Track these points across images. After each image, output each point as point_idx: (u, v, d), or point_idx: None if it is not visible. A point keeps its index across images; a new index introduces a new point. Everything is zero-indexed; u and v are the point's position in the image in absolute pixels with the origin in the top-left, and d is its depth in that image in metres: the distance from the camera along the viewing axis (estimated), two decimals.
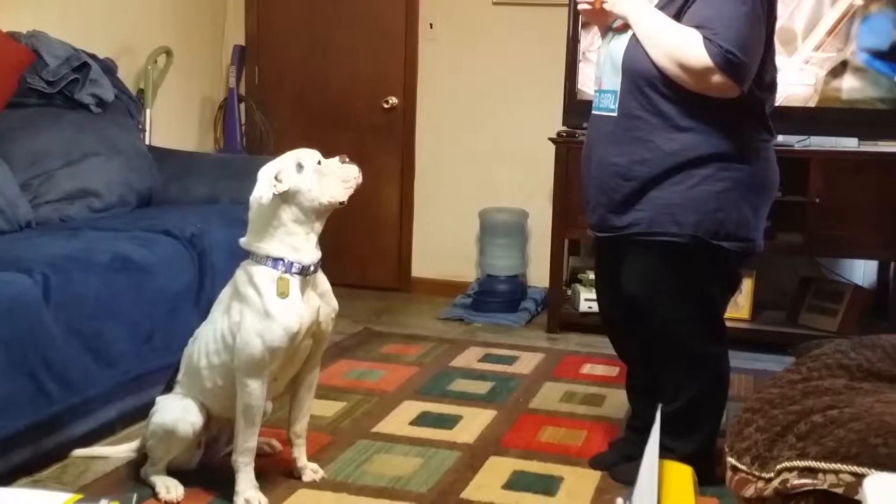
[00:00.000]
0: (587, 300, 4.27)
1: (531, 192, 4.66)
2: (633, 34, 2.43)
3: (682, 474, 1.66)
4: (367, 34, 4.91)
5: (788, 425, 1.89)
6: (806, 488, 1.76)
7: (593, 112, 2.60)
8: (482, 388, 3.44)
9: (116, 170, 3.62)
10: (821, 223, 3.91)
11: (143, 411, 2.99)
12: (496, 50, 4.76)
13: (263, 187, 2.40)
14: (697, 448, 2.52)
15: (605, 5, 2.48)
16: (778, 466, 1.83)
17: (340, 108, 4.98)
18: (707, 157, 2.40)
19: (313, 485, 2.54)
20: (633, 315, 2.59)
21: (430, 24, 4.83)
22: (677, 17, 2.38)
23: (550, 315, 4.34)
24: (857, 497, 1.68)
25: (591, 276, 4.40)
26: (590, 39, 4.25)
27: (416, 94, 4.90)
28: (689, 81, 2.35)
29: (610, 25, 2.57)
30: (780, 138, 4.07)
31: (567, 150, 4.18)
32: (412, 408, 3.18)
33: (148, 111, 4.24)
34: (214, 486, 2.48)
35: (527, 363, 3.76)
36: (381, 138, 4.95)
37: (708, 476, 2.42)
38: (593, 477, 2.65)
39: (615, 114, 2.47)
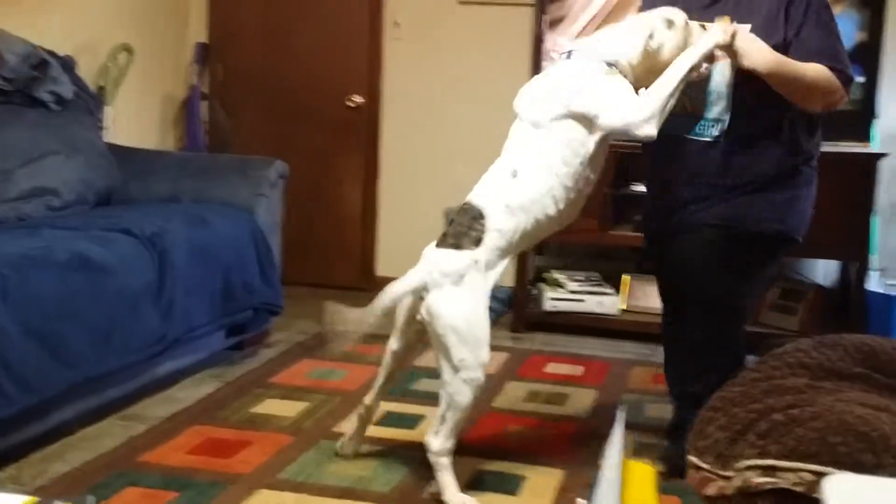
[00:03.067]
0: (552, 300, 4.28)
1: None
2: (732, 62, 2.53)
3: (643, 474, 1.66)
4: (332, 33, 4.88)
5: (749, 424, 1.90)
6: (767, 487, 1.77)
7: (673, 134, 2.58)
8: None
9: (76, 168, 3.57)
10: None
11: (102, 411, 2.97)
12: (461, 49, 4.75)
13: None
14: None
15: (742, 61, 2.50)
16: (738, 465, 1.84)
17: (304, 106, 4.94)
18: (805, 161, 2.65)
19: (273, 485, 2.52)
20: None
21: (396, 23, 4.81)
22: (785, 40, 2.53)
23: (515, 314, 4.34)
24: (816, 495, 1.69)
25: (556, 275, 4.42)
26: (554, 39, 4.26)
27: (381, 92, 4.88)
28: (820, 108, 2.60)
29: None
30: None
31: None
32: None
33: (108, 109, 4.18)
34: None
35: (491, 362, 3.74)
36: (345, 137, 4.93)
37: None
38: (556, 476, 2.65)
39: (716, 139, 2.58)
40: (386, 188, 4.94)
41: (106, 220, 3.24)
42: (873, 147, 4.01)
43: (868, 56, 3.90)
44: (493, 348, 3.89)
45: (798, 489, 1.73)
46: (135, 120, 4.56)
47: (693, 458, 1.98)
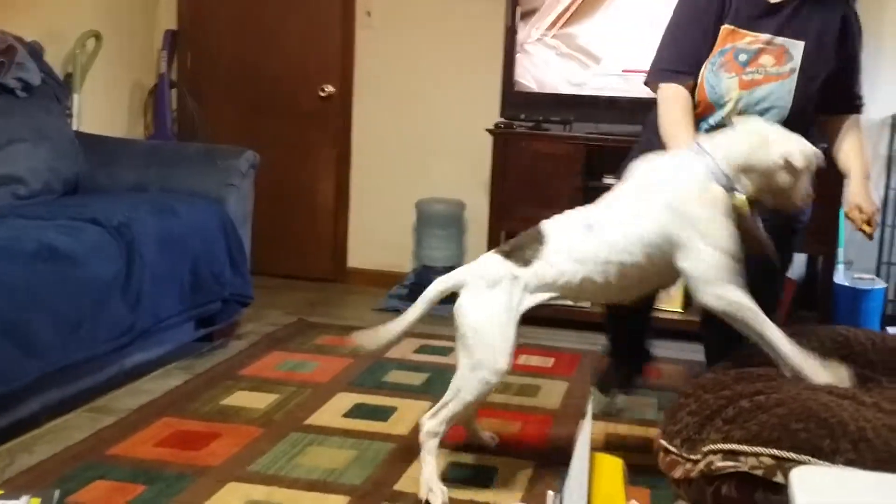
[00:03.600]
0: None
1: (468, 182, 4.66)
2: (798, 83, 2.54)
3: (612, 466, 1.68)
4: (303, 21, 4.85)
5: (718, 409, 1.93)
6: (728, 470, 1.80)
7: None
8: (417, 379, 3.43)
9: (42, 156, 3.52)
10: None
11: (70, 403, 2.94)
12: (434, 40, 4.74)
13: None
14: None
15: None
16: (704, 449, 1.87)
17: (275, 95, 4.91)
18: None
19: (243, 477, 2.51)
20: None
21: (368, 13, 4.78)
22: (838, 67, 2.60)
23: None
24: (775, 479, 1.72)
25: None
26: (527, 31, 4.26)
27: (353, 82, 4.86)
28: None
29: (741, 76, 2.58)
30: None
31: (504, 141, 4.18)
32: (346, 400, 3.16)
33: (76, 96, 4.13)
34: None
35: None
36: (316, 127, 4.90)
37: None
38: (527, 468, 2.66)
39: None
40: (358, 178, 4.92)
41: (73, 209, 3.20)
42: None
43: None
44: None
45: (757, 472, 1.76)
46: (103, 107, 4.50)
47: (663, 442, 2.01)
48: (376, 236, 4.91)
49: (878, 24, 4.25)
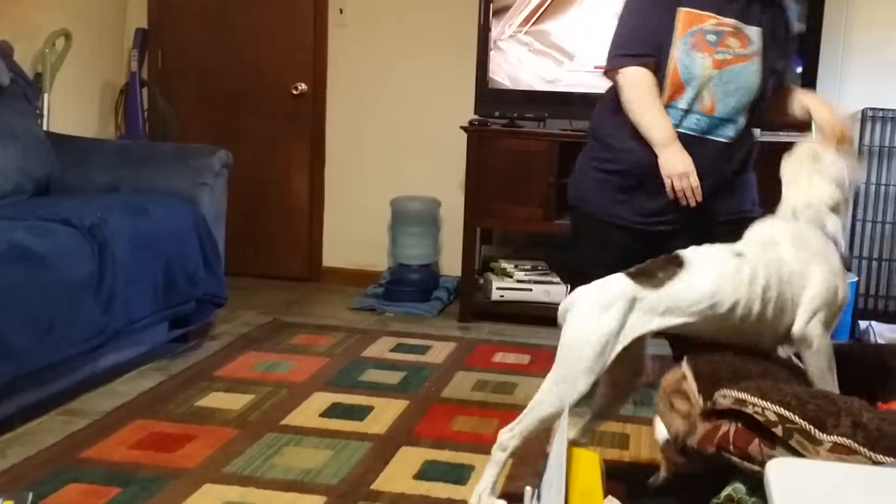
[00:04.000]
0: (499, 289, 4.29)
1: (443, 180, 4.65)
2: (761, 65, 2.63)
3: (589, 461, 1.69)
4: (275, 19, 4.82)
5: (747, 374, 2.01)
6: (730, 407, 1.84)
7: (694, 135, 2.64)
8: (394, 378, 3.42)
9: (12, 156, 3.48)
10: None
11: (43, 406, 2.90)
12: (407, 37, 4.73)
13: None
14: None
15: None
16: (716, 394, 1.93)
17: (248, 94, 4.88)
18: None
19: (219, 479, 2.49)
20: None
21: (340, 10, 4.77)
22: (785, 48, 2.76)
23: (463, 304, 4.35)
24: (774, 430, 1.77)
25: (503, 264, 4.43)
26: (501, 28, 4.26)
27: (326, 80, 4.84)
28: None
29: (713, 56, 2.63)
30: None
31: (479, 138, 4.19)
32: (322, 399, 3.15)
33: (46, 96, 4.09)
34: None
35: (439, 352, 3.76)
36: (290, 125, 4.87)
37: None
38: (504, 465, 2.65)
39: (731, 140, 2.67)
40: (332, 177, 4.90)
41: (44, 209, 3.16)
42: (813, 137, 4.08)
43: (807, 47, 3.97)
44: (440, 338, 3.95)
45: (758, 418, 1.81)
46: (73, 107, 4.46)
47: (687, 369, 2.05)
48: (351, 235, 4.89)
49: (846, 21, 4.29)
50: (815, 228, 2.29)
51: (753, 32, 2.63)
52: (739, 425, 1.88)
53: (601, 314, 2.17)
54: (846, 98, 4.31)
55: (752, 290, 2.17)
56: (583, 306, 2.21)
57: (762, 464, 1.78)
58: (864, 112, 4.27)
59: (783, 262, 2.22)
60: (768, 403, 1.85)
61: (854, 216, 4.28)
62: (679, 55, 2.60)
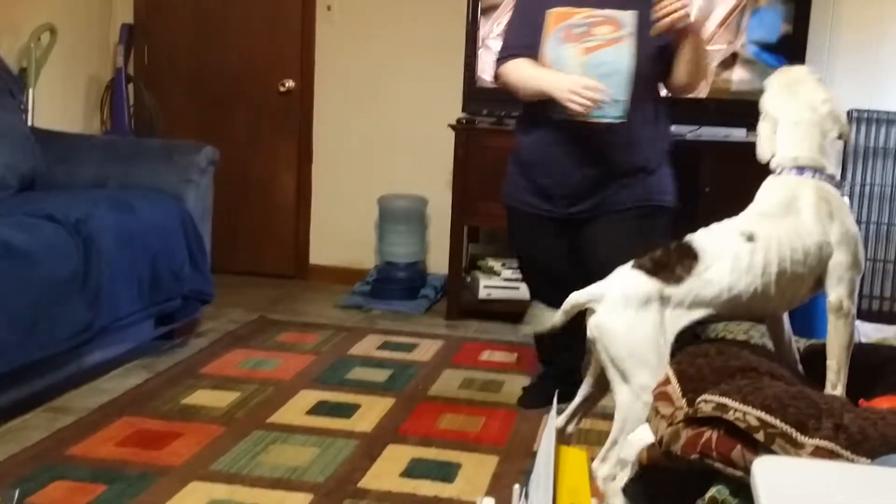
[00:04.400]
0: (486, 287, 4.29)
1: (430, 178, 4.65)
2: (636, 44, 2.70)
3: (577, 459, 1.69)
4: (262, 15, 4.80)
5: (731, 375, 2.02)
6: (711, 415, 1.85)
7: (589, 118, 2.71)
8: (381, 376, 3.42)
9: None
10: (711, 212, 3.99)
11: (28, 403, 2.89)
12: (395, 35, 4.72)
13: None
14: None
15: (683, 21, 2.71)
16: (697, 399, 1.93)
17: (234, 90, 4.86)
18: (670, 142, 3.00)
19: (206, 476, 2.48)
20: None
21: (328, 7, 4.75)
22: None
23: (450, 302, 4.34)
24: (756, 436, 1.77)
25: (491, 263, 4.43)
26: (489, 27, 4.26)
27: (314, 77, 4.82)
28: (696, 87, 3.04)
29: (581, 40, 2.75)
30: (672, 128, 4.20)
31: (467, 136, 4.18)
32: (309, 397, 3.14)
33: (31, 91, 4.05)
34: None
35: (426, 350, 3.76)
36: (277, 122, 4.86)
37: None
38: (490, 463, 2.66)
39: (620, 120, 2.73)
40: (319, 174, 4.88)
41: (29, 205, 3.14)
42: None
43: (793, 48, 3.99)
44: (427, 336, 3.95)
45: (740, 424, 1.82)
46: (58, 102, 4.43)
47: (670, 372, 2.05)
48: (338, 232, 4.88)
49: (832, 22, 4.31)
50: (828, 184, 2.22)
51: (626, 16, 2.71)
52: (721, 431, 1.88)
53: (644, 313, 2.11)
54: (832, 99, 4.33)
55: (767, 275, 2.14)
56: (618, 308, 2.12)
57: (745, 469, 1.79)
58: (849, 113, 4.28)
59: (803, 232, 2.16)
60: (749, 408, 1.85)
61: None
62: (549, 52, 2.76)
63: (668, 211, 2.95)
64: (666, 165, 2.96)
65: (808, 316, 4.03)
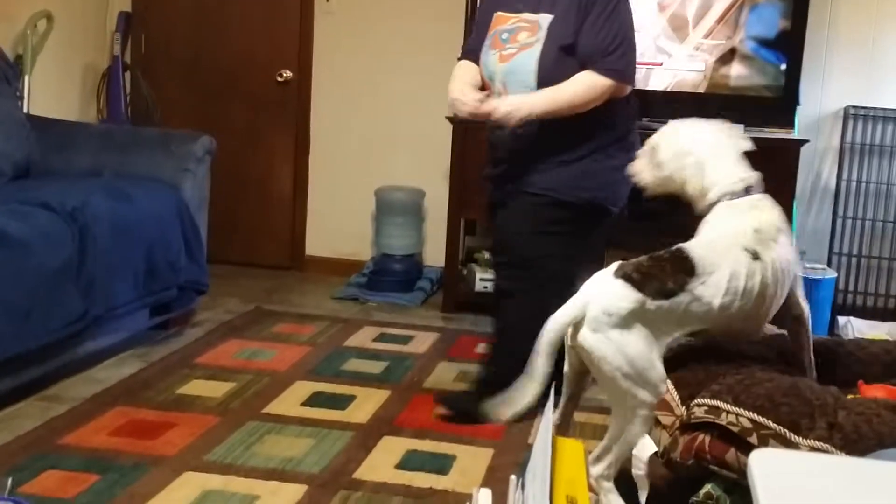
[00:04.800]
0: (483, 280, 4.28)
1: (428, 171, 4.64)
2: (542, 49, 2.76)
3: (574, 450, 1.68)
4: (261, 5, 4.78)
5: (722, 374, 2.01)
6: (706, 420, 1.84)
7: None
8: (376, 367, 3.41)
9: None
10: None
11: (21, 392, 2.87)
12: (394, 26, 4.70)
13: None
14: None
15: (507, 117, 2.75)
16: (691, 403, 1.93)
17: (232, 80, 4.84)
18: (617, 139, 2.85)
19: (200, 467, 2.47)
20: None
21: None
22: (578, 29, 2.76)
23: (446, 295, 4.34)
24: (750, 440, 1.77)
25: (487, 255, 4.42)
26: None
27: (312, 68, 4.80)
28: (594, 104, 2.77)
29: (502, 42, 2.85)
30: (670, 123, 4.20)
31: (464, 129, 4.16)
32: (304, 388, 3.13)
33: (26, 78, 4.03)
34: None
35: (422, 343, 3.75)
36: (274, 113, 4.84)
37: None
38: (485, 455, 2.66)
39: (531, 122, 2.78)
40: (316, 165, 4.87)
41: (24, 193, 3.12)
42: (795, 134, 4.11)
43: (791, 44, 3.98)
44: (423, 328, 3.94)
45: (733, 429, 1.81)
46: (54, 90, 4.41)
47: (670, 384, 2.05)
48: (335, 224, 4.87)
49: (830, 19, 4.30)
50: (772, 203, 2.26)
51: (543, 19, 2.78)
52: (715, 435, 1.88)
53: (631, 331, 2.05)
54: (829, 96, 4.33)
55: (762, 295, 2.12)
56: (604, 327, 2.06)
57: (740, 472, 1.79)
58: (846, 110, 4.29)
59: (785, 254, 2.17)
60: (742, 410, 1.84)
61: (835, 213, 4.30)
62: (482, 56, 2.91)
63: (579, 208, 2.83)
64: (595, 161, 2.83)
65: (810, 301, 4.05)
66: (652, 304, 2.05)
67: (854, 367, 2.29)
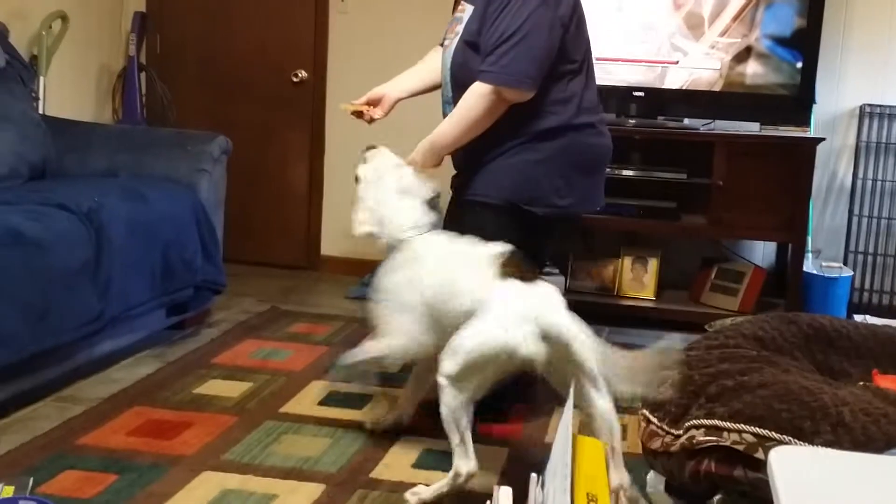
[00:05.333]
0: None
1: (443, 170, 4.61)
2: (456, 45, 2.74)
3: (594, 448, 1.67)
4: (276, 5, 4.79)
5: (702, 386, 1.96)
6: (709, 444, 1.82)
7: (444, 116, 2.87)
8: (392, 367, 3.40)
9: (7, 140, 3.45)
10: (723, 205, 4.00)
11: (38, 392, 2.88)
12: (409, 25, 4.70)
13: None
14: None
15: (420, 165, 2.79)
16: (686, 424, 1.89)
17: (247, 80, 4.85)
18: (530, 135, 2.69)
19: (217, 466, 2.48)
20: None
21: None
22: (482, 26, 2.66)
23: None
24: (756, 455, 1.74)
25: None
26: None
27: (327, 67, 4.81)
28: (494, 113, 2.64)
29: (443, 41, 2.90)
30: (686, 121, 4.19)
31: None
32: (320, 388, 3.13)
33: (42, 79, 4.05)
34: None
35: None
36: (289, 113, 4.84)
37: (487, 411, 2.58)
38: (502, 454, 2.65)
39: None
40: (331, 165, 4.87)
41: (40, 194, 3.13)
42: (811, 132, 4.09)
43: (807, 42, 3.96)
44: None
45: (738, 448, 1.79)
46: (70, 91, 4.42)
47: (645, 412, 2.03)
48: (350, 224, 4.85)
49: (846, 17, 4.28)
50: None
51: (468, 11, 2.73)
52: (720, 455, 1.85)
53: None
54: (845, 94, 4.30)
55: None
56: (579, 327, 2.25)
57: (750, 483, 1.76)
58: (861, 108, 4.26)
59: None
60: (742, 425, 1.81)
61: (850, 211, 4.28)
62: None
63: (499, 209, 2.71)
64: (512, 158, 2.70)
65: (821, 303, 4.03)
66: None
67: (866, 353, 2.24)
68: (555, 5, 2.62)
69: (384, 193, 2.63)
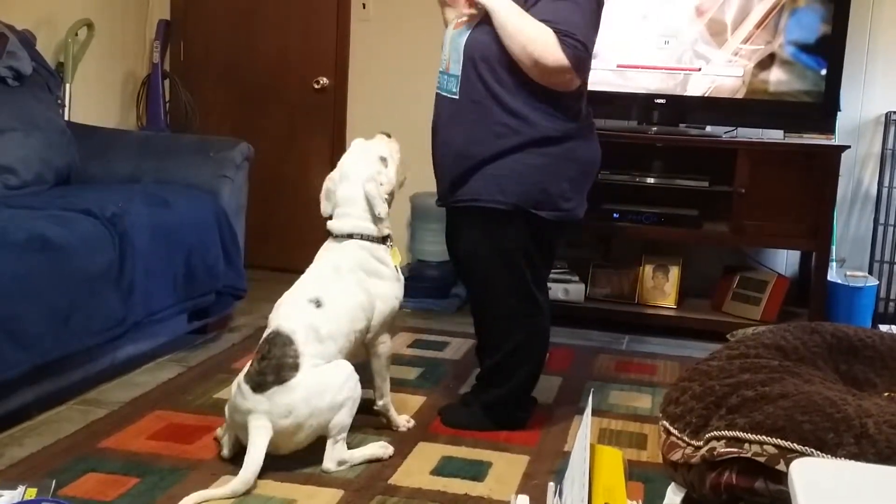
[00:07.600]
0: None
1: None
2: (478, 25, 2.68)
3: (612, 458, 1.67)
4: (298, 13, 4.82)
5: (723, 396, 1.94)
6: (731, 456, 1.80)
7: (437, 92, 2.86)
8: (411, 373, 3.41)
9: (34, 146, 3.49)
10: (746, 213, 3.97)
11: (61, 395, 2.91)
12: (430, 32, 4.70)
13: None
14: (499, 398, 2.87)
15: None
16: (707, 435, 1.87)
17: (269, 87, 4.88)
18: (534, 138, 2.66)
19: (237, 471, 2.48)
20: (464, 278, 3.01)
21: (363, 4, 4.76)
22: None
23: None
24: (777, 467, 1.73)
25: None
26: None
27: (348, 74, 4.83)
28: (539, 75, 2.59)
29: (449, 22, 2.89)
30: (708, 129, 4.17)
31: None
32: None
33: (68, 86, 4.10)
34: None
35: (457, 349, 3.75)
36: (311, 119, 4.87)
37: (506, 421, 2.86)
38: (521, 462, 2.65)
39: (457, 97, 2.73)
40: None
41: (65, 199, 3.17)
42: (836, 140, 4.06)
43: (831, 49, 3.93)
44: (458, 335, 3.93)
45: (760, 459, 1.77)
46: (95, 97, 4.47)
47: (665, 423, 2.02)
48: None
49: (871, 24, 4.25)
50: None
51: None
52: (741, 467, 1.83)
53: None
54: (870, 101, 4.27)
55: None
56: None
57: (770, 496, 1.75)
58: (887, 115, 4.22)
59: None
60: (764, 437, 1.79)
61: (876, 220, 4.24)
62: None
63: (508, 214, 2.69)
64: (516, 163, 2.66)
65: (846, 313, 3.99)
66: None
67: (891, 363, 2.22)
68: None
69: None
